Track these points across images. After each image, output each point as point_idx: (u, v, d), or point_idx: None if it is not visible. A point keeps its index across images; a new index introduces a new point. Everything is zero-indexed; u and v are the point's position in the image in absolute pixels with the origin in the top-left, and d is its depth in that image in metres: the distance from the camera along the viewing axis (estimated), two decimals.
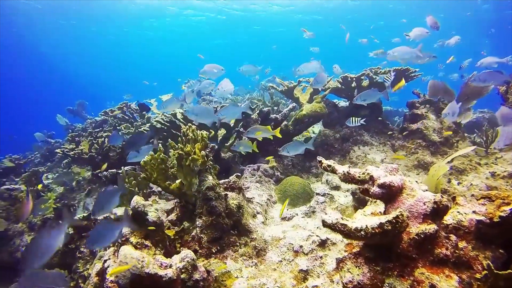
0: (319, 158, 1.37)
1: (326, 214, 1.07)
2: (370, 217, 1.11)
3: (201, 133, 1.89)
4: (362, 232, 1.00)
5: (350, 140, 3.27)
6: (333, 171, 1.29)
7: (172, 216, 2.10)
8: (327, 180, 2.73)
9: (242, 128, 3.19)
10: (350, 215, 2.26)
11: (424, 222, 1.10)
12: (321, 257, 1.75)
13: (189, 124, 1.95)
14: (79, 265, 2.60)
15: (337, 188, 2.62)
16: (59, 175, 4.23)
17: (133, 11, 16.56)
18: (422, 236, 1.05)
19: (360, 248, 1.18)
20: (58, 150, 3.74)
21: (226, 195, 1.88)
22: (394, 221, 0.99)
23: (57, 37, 21.22)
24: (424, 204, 1.12)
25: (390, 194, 1.15)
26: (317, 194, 2.43)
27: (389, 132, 3.22)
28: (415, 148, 2.97)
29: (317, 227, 2.09)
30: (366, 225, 0.99)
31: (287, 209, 2.49)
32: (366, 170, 1.22)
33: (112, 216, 2.38)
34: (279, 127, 2.75)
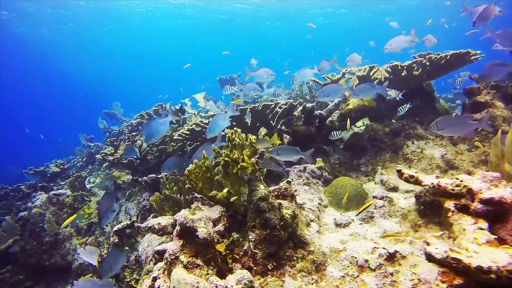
0: (398, 167, 1.16)
1: (429, 245, 0.87)
2: (487, 248, 0.89)
3: (250, 138, 1.73)
4: (493, 275, 0.78)
5: (402, 134, 2.99)
6: (417, 183, 1.08)
7: (220, 227, 1.97)
8: (381, 180, 2.49)
9: (283, 126, 3.01)
10: (414, 220, 2.02)
11: None
12: (391, 274, 1.54)
13: (235, 128, 1.80)
14: (126, 274, 2.57)
15: (395, 189, 2.37)
16: (102, 181, 4.28)
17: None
18: None
19: (465, 282, 0.96)
20: (98, 156, 3.76)
21: (280, 204, 1.72)
22: None
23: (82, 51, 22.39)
24: None
25: (500, 213, 0.93)
26: (374, 197, 2.20)
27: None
28: (480, 140, 2.63)
29: (380, 236, 1.88)
30: (498, 266, 0.78)
31: (341, 214, 2.29)
32: (460, 180, 1.00)
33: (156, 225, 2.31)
34: (276, 133, 2.62)
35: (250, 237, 1.63)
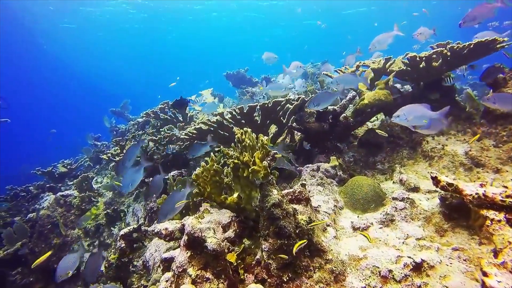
0: (433, 173, 1.02)
1: (488, 276, 0.74)
2: None
3: (261, 139, 1.60)
4: None
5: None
6: (457, 192, 0.94)
7: (230, 233, 1.85)
8: (401, 180, 2.34)
9: (295, 123, 2.86)
10: (439, 224, 1.86)
11: None
12: (419, 287, 1.40)
13: (245, 128, 1.67)
14: (134, 279, 2.49)
15: (416, 189, 2.22)
16: (110, 182, 4.22)
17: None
18: None
19: None
20: (103, 156, 3.68)
21: (295, 210, 1.59)
22: None
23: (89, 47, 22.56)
24: None
25: None
26: (394, 198, 2.05)
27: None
28: (509, 135, 2.45)
29: (403, 242, 1.73)
30: None
31: (358, 216, 2.15)
32: (511, 189, 0.85)
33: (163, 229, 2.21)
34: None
35: (263, 246, 1.51)
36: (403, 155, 2.77)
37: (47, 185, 4.49)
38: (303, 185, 1.81)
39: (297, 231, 1.54)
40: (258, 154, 1.57)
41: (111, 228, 3.71)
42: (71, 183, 4.98)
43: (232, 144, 1.79)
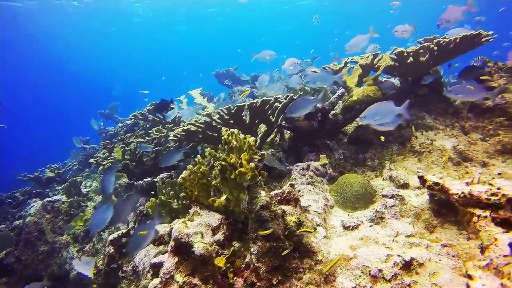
0: (420, 173, 1.01)
1: (472, 279, 0.72)
2: None
3: (248, 141, 1.57)
4: None
5: (410, 125, 2.82)
6: (444, 191, 0.93)
7: (219, 236, 1.83)
8: (390, 176, 2.34)
9: (284, 122, 2.84)
10: (429, 220, 1.86)
11: None
12: (409, 286, 1.40)
13: (232, 129, 1.63)
14: (123, 285, 2.44)
15: (405, 186, 2.22)
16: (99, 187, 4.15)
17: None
18: None
19: None
20: (91, 160, 3.61)
21: (283, 212, 1.57)
22: None
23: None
24: None
25: None
26: (384, 196, 2.05)
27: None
28: (495, 129, 2.47)
29: (393, 240, 1.73)
30: None
31: (348, 215, 2.14)
32: (497, 188, 0.84)
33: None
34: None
35: (252, 249, 1.48)
36: (392, 151, 2.77)
37: (34, 191, 4.39)
38: (292, 186, 1.79)
39: (286, 233, 1.52)
40: (245, 156, 1.54)
41: (101, 233, 3.64)
42: (60, 187, 4.89)
43: (220, 145, 1.76)
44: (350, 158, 2.84)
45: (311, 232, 1.57)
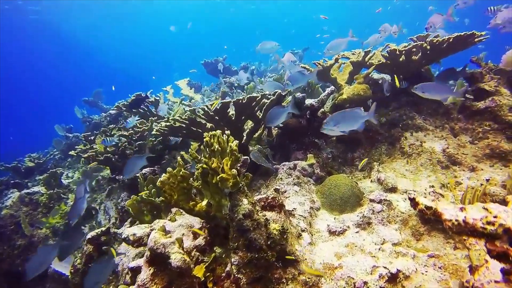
0: (411, 194, 0.94)
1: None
2: None
3: (230, 145, 1.48)
4: None
5: (400, 125, 2.77)
6: (436, 215, 0.86)
7: (200, 240, 1.75)
8: (379, 179, 2.29)
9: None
10: (416, 227, 1.83)
11: None
12: None
13: (213, 132, 1.54)
14: (103, 285, 2.35)
15: (393, 189, 2.17)
16: (81, 177, 4.02)
17: None
18: None
19: None
20: (71, 152, 3.46)
21: (266, 220, 1.49)
22: None
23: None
24: None
25: None
26: (372, 200, 2.00)
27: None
28: (484, 132, 2.44)
29: (379, 248, 1.68)
30: None
31: (334, 218, 2.09)
32: (494, 216, 0.78)
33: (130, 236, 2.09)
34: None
35: (233, 259, 1.41)
36: (381, 151, 2.72)
37: (12, 181, 4.21)
38: (277, 190, 1.72)
39: (268, 243, 1.45)
40: (227, 161, 1.45)
41: (82, 227, 3.53)
42: (40, 177, 4.72)
43: (202, 146, 1.66)
44: (338, 157, 2.78)
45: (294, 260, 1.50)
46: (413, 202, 0.90)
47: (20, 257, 3.38)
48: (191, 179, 1.65)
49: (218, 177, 1.44)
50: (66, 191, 4.12)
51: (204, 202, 1.61)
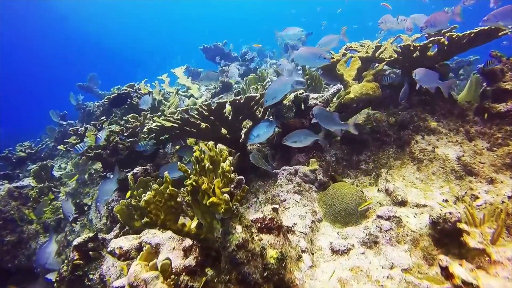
0: (444, 262, 0.75)
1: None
2: None
3: (223, 165, 1.29)
4: None
5: (410, 127, 2.56)
6: None
7: (190, 260, 1.58)
8: (387, 190, 2.11)
9: (271, 117, 2.55)
10: (428, 249, 1.66)
11: None
12: None
13: (206, 144, 1.34)
14: None
15: (403, 203, 1.99)
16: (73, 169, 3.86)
17: None
18: None
19: None
20: (60, 147, 3.28)
21: (263, 249, 1.32)
22: None
23: None
24: None
25: None
26: (379, 217, 1.82)
27: None
28: (504, 138, 2.24)
29: (387, 276, 1.52)
30: None
31: (338, 233, 1.92)
32: None
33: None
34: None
35: None
36: (389, 154, 2.53)
37: (1, 173, 4.05)
38: (275, 210, 1.54)
39: (265, 274, 1.29)
40: (219, 183, 1.26)
41: (73, 224, 3.40)
42: (29, 168, 4.56)
43: (193, 158, 1.47)
44: (342, 159, 2.60)
45: None
46: (446, 272, 0.72)
47: (9, 253, 3.27)
48: (180, 193, 1.48)
49: (208, 201, 1.26)
50: (57, 184, 3.97)
51: (194, 224, 1.44)
